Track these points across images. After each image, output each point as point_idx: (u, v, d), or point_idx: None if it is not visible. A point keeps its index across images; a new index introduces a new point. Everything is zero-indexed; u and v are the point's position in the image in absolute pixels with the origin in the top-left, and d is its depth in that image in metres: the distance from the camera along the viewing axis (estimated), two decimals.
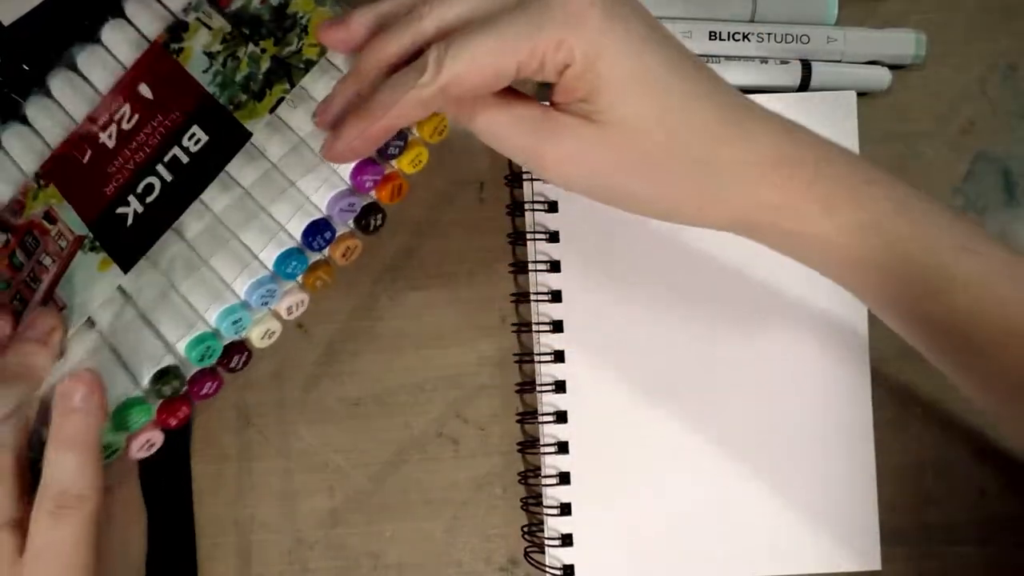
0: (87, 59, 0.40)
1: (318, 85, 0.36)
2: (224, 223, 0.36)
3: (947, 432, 0.43)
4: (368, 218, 0.36)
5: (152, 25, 0.39)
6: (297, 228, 0.35)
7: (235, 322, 0.34)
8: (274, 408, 0.43)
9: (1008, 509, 0.43)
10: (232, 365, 0.36)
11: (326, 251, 0.36)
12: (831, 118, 0.42)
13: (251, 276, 0.35)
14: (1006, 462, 0.43)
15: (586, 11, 0.28)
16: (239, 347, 0.36)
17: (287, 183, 0.35)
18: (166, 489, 0.42)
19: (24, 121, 0.40)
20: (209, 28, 0.38)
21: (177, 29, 0.38)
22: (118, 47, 0.40)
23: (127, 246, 0.35)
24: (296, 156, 0.36)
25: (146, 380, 0.34)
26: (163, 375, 0.34)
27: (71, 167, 0.38)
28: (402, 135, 0.35)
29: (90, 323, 0.35)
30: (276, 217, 0.35)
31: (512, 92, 0.30)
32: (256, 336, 0.36)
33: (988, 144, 0.44)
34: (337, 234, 0.35)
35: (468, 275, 0.43)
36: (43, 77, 0.40)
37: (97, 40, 0.40)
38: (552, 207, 0.42)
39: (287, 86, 0.35)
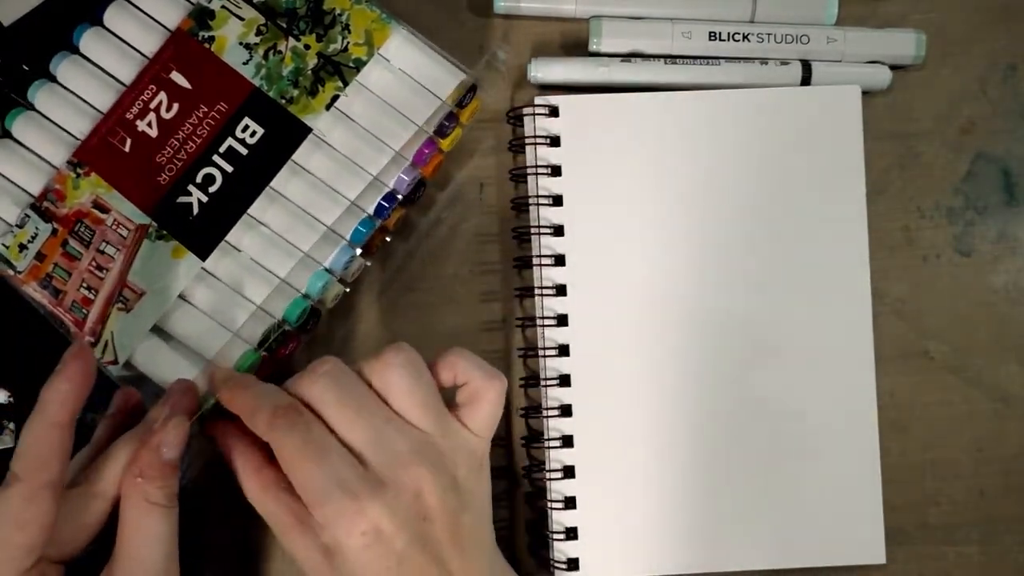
0: (91, 41, 0.40)
1: (373, 78, 0.40)
2: (296, 203, 0.39)
3: (947, 432, 0.43)
4: (416, 191, 0.41)
5: (166, 9, 0.40)
6: (371, 202, 0.40)
7: (323, 286, 0.39)
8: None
9: (1008, 509, 0.43)
10: (308, 327, 0.40)
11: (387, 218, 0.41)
12: (834, 114, 0.42)
13: (334, 245, 0.39)
14: (1006, 462, 0.43)
15: None
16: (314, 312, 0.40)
17: (353, 165, 0.40)
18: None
19: (31, 108, 0.40)
20: (240, 19, 0.39)
21: (203, 16, 0.39)
22: (125, 29, 0.40)
23: (199, 235, 0.39)
24: (359, 141, 0.40)
25: (257, 338, 0.39)
26: (268, 337, 0.39)
27: (113, 156, 0.39)
28: (453, 117, 0.40)
29: (182, 298, 0.39)
30: (346, 194, 0.39)
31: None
32: (329, 298, 0.40)
33: (988, 144, 0.44)
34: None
35: (469, 275, 0.43)
36: (45, 62, 0.41)
37: (99, 22, 0.40)
38: (557, 201, 0.42)
39: (340, 84, 0.39)
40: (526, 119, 0.42)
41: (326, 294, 0.40)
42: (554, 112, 0.42)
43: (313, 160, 0.39)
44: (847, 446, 0.41)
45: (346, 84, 0.39)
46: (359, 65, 0.39)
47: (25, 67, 0.41)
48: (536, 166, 0.42)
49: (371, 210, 0.40)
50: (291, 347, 0.40)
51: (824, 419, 0.41)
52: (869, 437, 0.41)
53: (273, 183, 0.39)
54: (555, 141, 0.42)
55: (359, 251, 0.40)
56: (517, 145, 0.43)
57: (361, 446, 0.33)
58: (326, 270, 0.40)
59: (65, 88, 0.40)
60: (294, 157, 0.39)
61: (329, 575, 0.32)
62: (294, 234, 0.39)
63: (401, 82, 0.40)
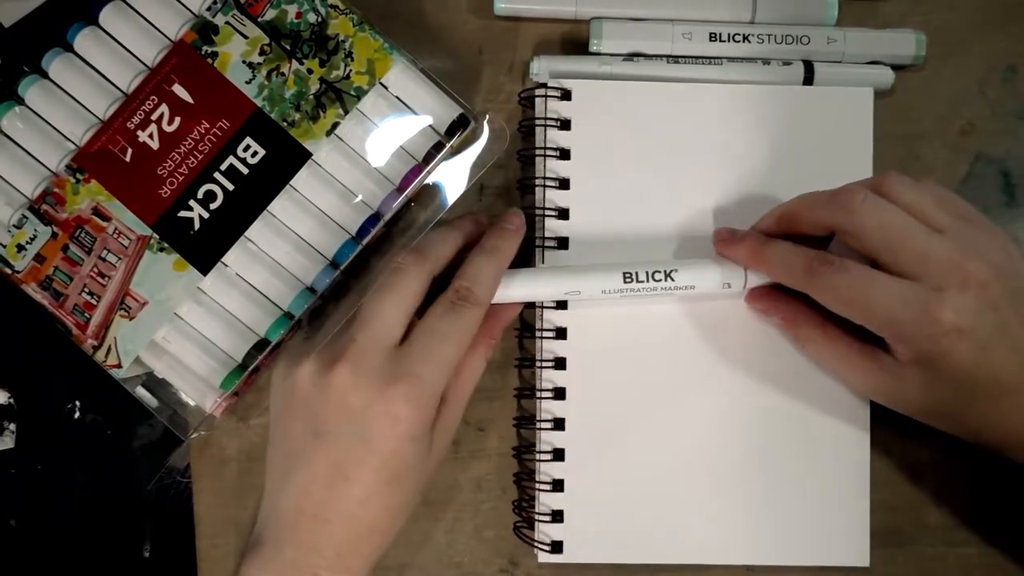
0: (86, 40, 0.40)
1: (373, 107, 0.40)
2: (284, 223, 0.40)
3: (947, 433, 0.43)
4: (399, 212, 0.41)
5: (166, 17, 0.40)
6: (355, 223, 0.40)
7: (304, 305, 0.40)
8: None
9: (1008, 509, 0.43)
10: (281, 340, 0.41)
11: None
12: (845, 115, 0.42)
13: (318, 266, 0.40)
14: (1005, 462, 0.43)
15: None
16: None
17: (342, 187, 0.40)
18: (165, 492, 0.42)
19: (21, 102, 0.40)
20: (244, 36, 0.39)
21: (206, 30, 0.39)
22: (123, 32, 0.40)
23: (201, 250, 0.39)
24: (352, 167, 0.40)
25: (241, 356, 0.39)
26: (253, 357, 0.40)
27: (113, 164, 0.40)
28: (442, 145, 0.40)
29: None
30: (331, 215, 0.40)
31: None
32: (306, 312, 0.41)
33: (988, 145, 0.44)
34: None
35: None
36: (39, 59, 0.40)
37: (96, 22, 0.40)
38: (563, 214, 0.42)
39: (340, 111, 0.39)
40: (537, 101, 0.42)
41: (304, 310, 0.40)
42: (566, 96, 0.42)
43: (306, 182, 0.40)
44: (837, 450, 0.41)
45: (347, 111, 0.39)
46: (360, 93, 0.39)
47: (26, 68, 0.41)
48: (545, 148, 0.42)
49: (354, 231, 0.40)
50: (264, 361, 0.41)
51: (816, 425, 0.41)
52: (860, 442, 0.41)
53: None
54: (565, 124, 0.42)
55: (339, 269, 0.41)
56: (527, 127, 0.43)
57: (907, 264, 0.35)
58: (309, 289, 0.40)
59: (58, 86, 0.40)
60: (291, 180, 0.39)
61: (929, 383, 0.36)
62: (281, 253, 0.40)
63: (399, 113, 0.40)
